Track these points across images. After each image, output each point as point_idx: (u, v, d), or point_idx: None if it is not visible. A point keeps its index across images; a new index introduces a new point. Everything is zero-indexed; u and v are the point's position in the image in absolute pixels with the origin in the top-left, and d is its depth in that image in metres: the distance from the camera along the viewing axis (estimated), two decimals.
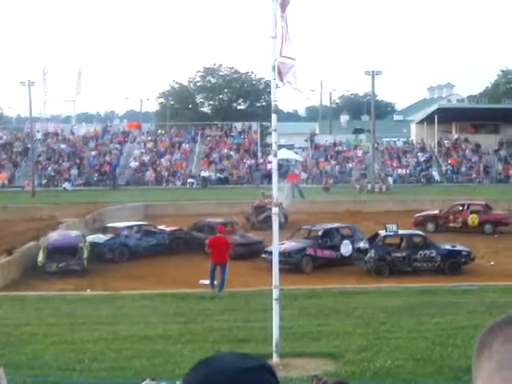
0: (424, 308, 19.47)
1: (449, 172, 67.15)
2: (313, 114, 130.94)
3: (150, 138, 73.53)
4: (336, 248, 31.19)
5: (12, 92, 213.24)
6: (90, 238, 33.91)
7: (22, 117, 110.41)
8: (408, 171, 66.82)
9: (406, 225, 41.12)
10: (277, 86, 14.49)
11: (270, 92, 16.30)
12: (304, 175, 64.10)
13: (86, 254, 30.57)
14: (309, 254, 30.44)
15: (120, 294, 23.59)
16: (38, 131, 71.89)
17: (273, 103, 14.54)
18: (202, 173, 65.31)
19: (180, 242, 35.03)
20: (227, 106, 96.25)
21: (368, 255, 29.18)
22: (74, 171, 65.36)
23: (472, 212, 40.06)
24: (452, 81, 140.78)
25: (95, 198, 49.19)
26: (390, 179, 64.12)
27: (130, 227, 35.39)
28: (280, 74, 13.94)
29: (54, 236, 32.15)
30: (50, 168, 65.67)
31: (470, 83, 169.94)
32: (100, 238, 34.31)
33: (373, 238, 30.47)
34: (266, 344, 14.67)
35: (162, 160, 68.18)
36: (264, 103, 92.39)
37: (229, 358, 1.75)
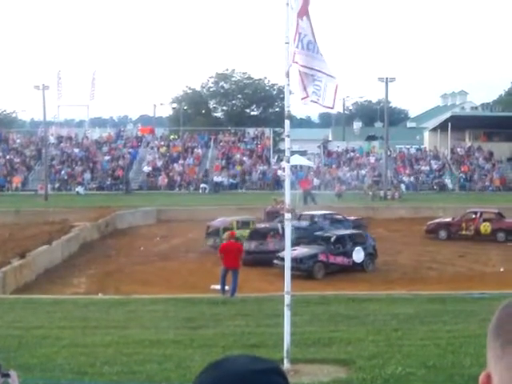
0: (436, 316, 19.40)
1: (461, 180, 66.92)
2: (326, 121, 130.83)
3: (163, 143, 73.62)
4: (348, 254, 31.17)
5: (26, 96, 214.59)
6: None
7: (36, 120, 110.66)
8: (421, 178, 66.66)
9: (418, 232, 41.12)
10: (290, 92, 14.47)
11: (283, 98, 16.31)
12: (316, 181, 64.04)
13: (224, 235, 33.57)
14: (321, 261, 30.42)
15: (132, 298, 23.60)
16: (51, 135, 72.05)
17: (286, 109, 14.52)
18: (215, 178, 65.33)
19: (363, 229, 37.32)
20: (240, 111, 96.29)
21: None
22: (87, 175, 65.51)
23: (485, 220, 39.94)
24: (466, 88, 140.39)
25: (108, 203, 49.29)
26: (403, 186, 63.97)
27: (324, 215, 38.96)
28: (303, 85, 13.90)
29: (217, 220, 37.96)
30: (63, 172, 65.84)
31: (484, 91, 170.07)
32: (299, 223, 36.62)
33: None
34: (277, 350, 14.63)
35: (174, 165, 68.25)
36: (277, 109, 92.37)
37: (240, 361, 1.75)
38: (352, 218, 40.07)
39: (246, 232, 35.55)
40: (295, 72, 13.91)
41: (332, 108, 14.70)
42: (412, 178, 66.50)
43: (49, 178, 60.71)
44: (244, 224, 37.01)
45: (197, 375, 1.74)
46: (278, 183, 62.64)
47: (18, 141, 73.10)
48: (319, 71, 13.87)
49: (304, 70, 13.84)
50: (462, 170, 68.33)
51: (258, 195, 56.71)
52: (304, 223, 37.20)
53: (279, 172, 64.32)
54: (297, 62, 13.78)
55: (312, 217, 38.79)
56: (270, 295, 22.41)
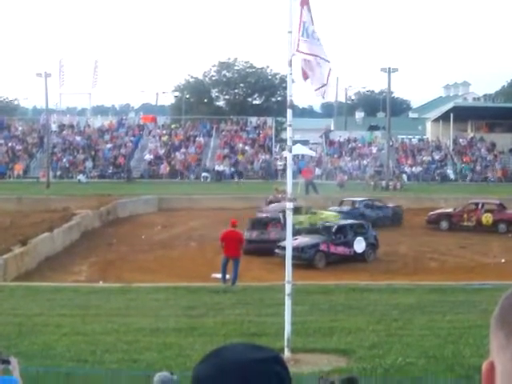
0: (436, 306, 19.41)
1: (463, 171, 66.86)
2: (328, 110, 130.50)
3: (164, 132, 73.52)
4: (349, 244, 31.15)
5: (28, 83, 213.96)
6: (334, 208, 39.84)
7: (38, 108, 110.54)
8: (422, 169, 66.57)
9: (419, 223, 41.09)
10: (293, 81, 14.44)
11: (285, 87, 16.27)
12: (318, 171, 63.97)
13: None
14: (322, 250, 30.41)
15: (132, 286, 23.60)
16: (53, 123, 71.98)
17: (288, 98, 14.50)
18: (217, 167, 65.30)
19: (400, 216, 41.02)
20: (242, 100, 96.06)
21: None
22: (89, 163, 65.44)
23: (486, 211, 39.85)
24: (468, 79, 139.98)
25: (109, 191, 49.26)
26: (405, 176, 63.90)
27: (364, 201, 41.27)
28: (304, 74, 13.86)
29: (269, 206, 39.38)
30: (65, 160, 65.80)
31: (487, 82, 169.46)
32: (342, 208, 39.80)
33: None
34: (277, 339, 14.65)
35: (176, 153, 68.18)
36: (279, 98, 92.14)
37: (239, 349, 1.74)
38: (391, 205, 42.33)
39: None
40: (299, 61, 13.90)
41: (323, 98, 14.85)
42: (414, 169, 66.40)
43: (50, 166, 60.68)
44: (296, 211, 37.16)
45: (197, 363, 1.73)
46: (275, 173, 62.83)
47: (20, 128, 73.03)
48: (322, 58, 13.87)
49: (309, 57, 13.81)
50: (464, 160, 68.25)
51: (259, 184, 56.67)
52: (344, 208, 39.57)
53: (278, 162, 64.34)
54: (301, 51, 13.74)
55: (353, 203, 41.09)
56: (270, 284, 22.41)
